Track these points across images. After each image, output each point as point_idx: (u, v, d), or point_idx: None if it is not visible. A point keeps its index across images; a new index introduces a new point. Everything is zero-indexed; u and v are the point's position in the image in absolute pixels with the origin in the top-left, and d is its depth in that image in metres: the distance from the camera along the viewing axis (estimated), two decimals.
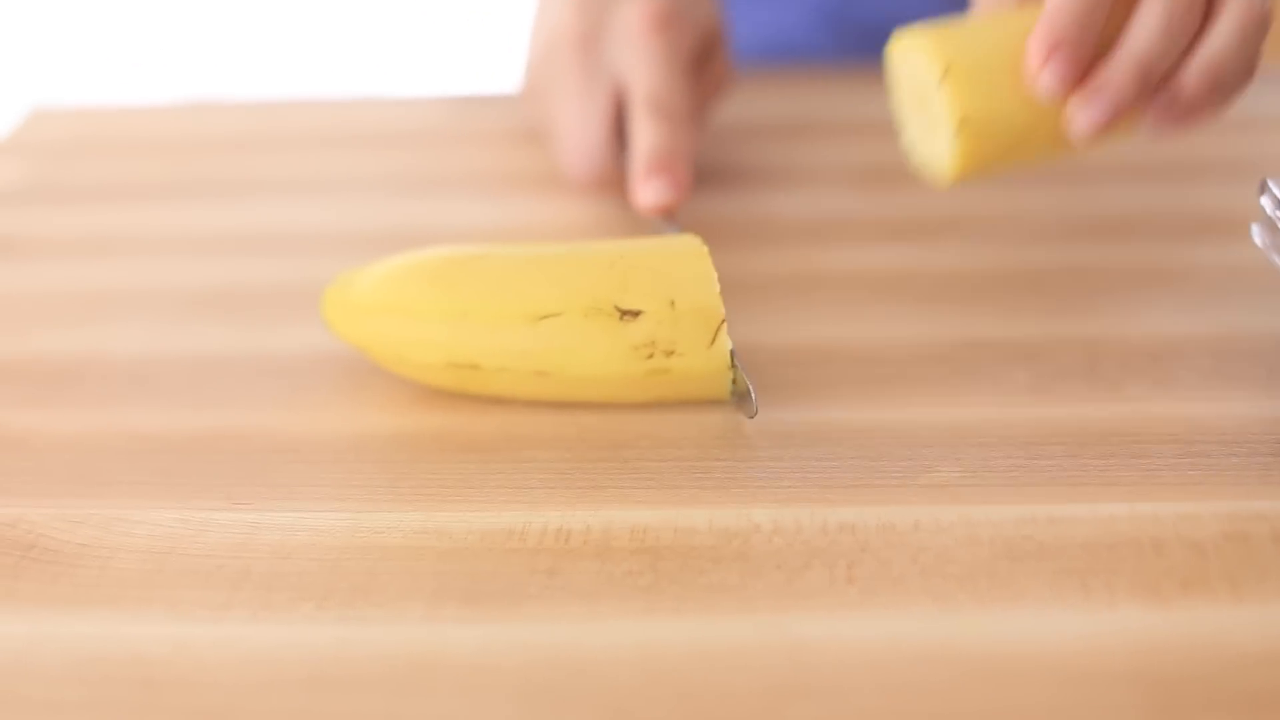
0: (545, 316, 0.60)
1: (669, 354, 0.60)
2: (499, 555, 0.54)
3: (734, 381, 0.61)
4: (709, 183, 0.84)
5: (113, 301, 0.75)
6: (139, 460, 0.61)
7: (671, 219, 0.71)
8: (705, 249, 0.61)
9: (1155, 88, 0.63)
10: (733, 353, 0.60)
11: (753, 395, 0.60)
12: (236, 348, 0.70)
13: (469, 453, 0.61)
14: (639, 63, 0.75)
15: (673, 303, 0.60)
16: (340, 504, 0.58)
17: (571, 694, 0.48)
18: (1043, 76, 0.62)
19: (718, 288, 0.60)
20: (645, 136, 0.73)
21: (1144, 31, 0.62)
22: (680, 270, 0.60)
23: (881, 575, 0.53)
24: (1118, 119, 0.62)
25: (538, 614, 0.51)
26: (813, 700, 0.47)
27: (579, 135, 0.77)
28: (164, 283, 0.77)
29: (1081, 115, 0.62)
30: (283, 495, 0.59)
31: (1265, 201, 0.65)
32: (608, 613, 0.51)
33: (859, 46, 1.08)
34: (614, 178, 0.77)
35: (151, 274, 0.78)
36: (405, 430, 0.63)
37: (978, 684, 0.48)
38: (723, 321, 0.60)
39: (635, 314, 0.60)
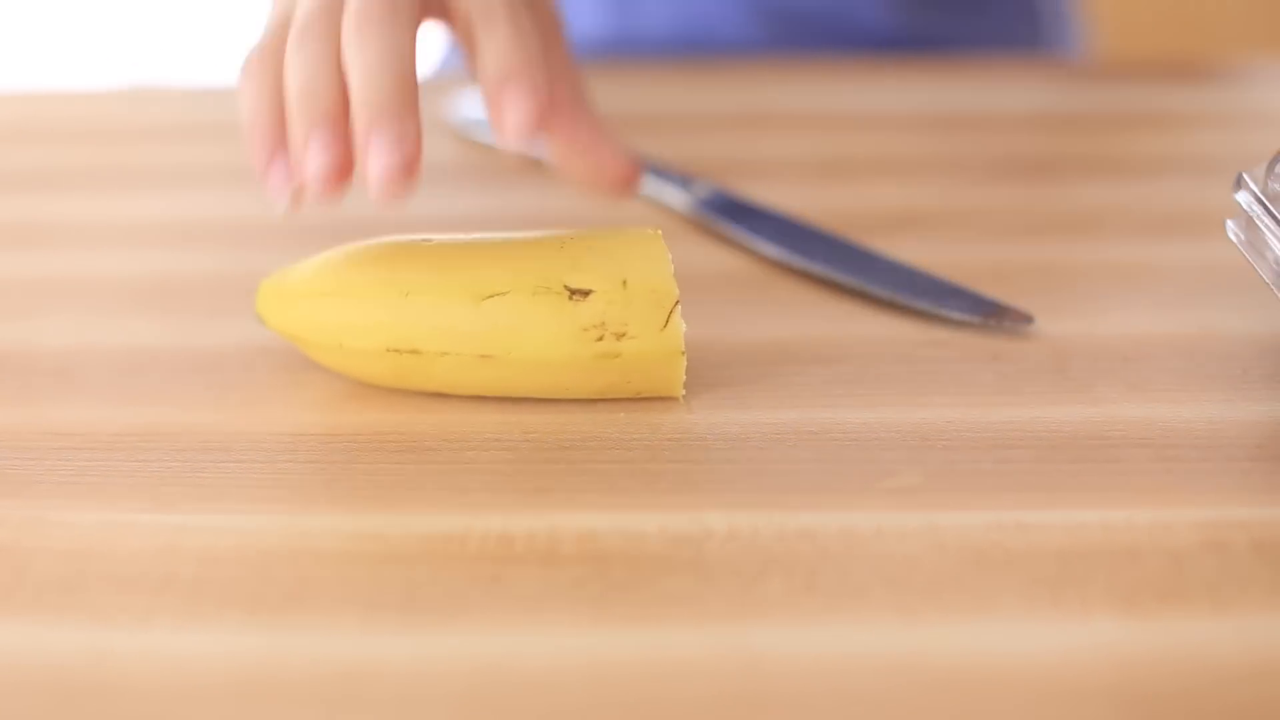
0: (491, 296, 0.58)
1: (620, 336, 0.57)
2: (438, 561, 0.52)
3: None
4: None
5: (39, 292, 0.73)
6: (61, 459, 0.59)
7: (629, 187, 0.67)
8: (659, 233, 0.59)
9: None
10: None
11: None
12: (167, 342, 0.67)
13: (407, 453, 0.58)
14: None
15: (625, 282, 0.57)
16: (272, 506, 0.55)
17: (514, 709, 0.46)
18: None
19: (672, 269, 0.58)
20: (491, 44, 0.60)
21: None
22: (633, 252, 0.58)
23: (842, 584, 0.50)
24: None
25: (479, 624, 0.49)
26: (770, 716, 0.45)
27: None
28: (93, 273, 0.74)
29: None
30: (211, 497, 0.56)
31: (1241, 196, 0.63)
32: (553, 623, 0.49)
33: (788, 37, 1.07)
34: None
35: (80, 264, 0.75)
36: (341, 429, 0.60)
37: (944, 700, 0.46)
38: (676, 303, 0.58)
39: (585, 293, 0.57)
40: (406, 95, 0.56)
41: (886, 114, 0.91)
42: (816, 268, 0.70)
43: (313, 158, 0.56)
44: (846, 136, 0.87)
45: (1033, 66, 1.03)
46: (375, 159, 0.55)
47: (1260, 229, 0.61)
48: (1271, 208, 0.61)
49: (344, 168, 0.56)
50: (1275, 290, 0.60)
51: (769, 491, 0.55)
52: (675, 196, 0.77)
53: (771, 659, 0.47)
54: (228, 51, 2.60)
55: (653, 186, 0.78)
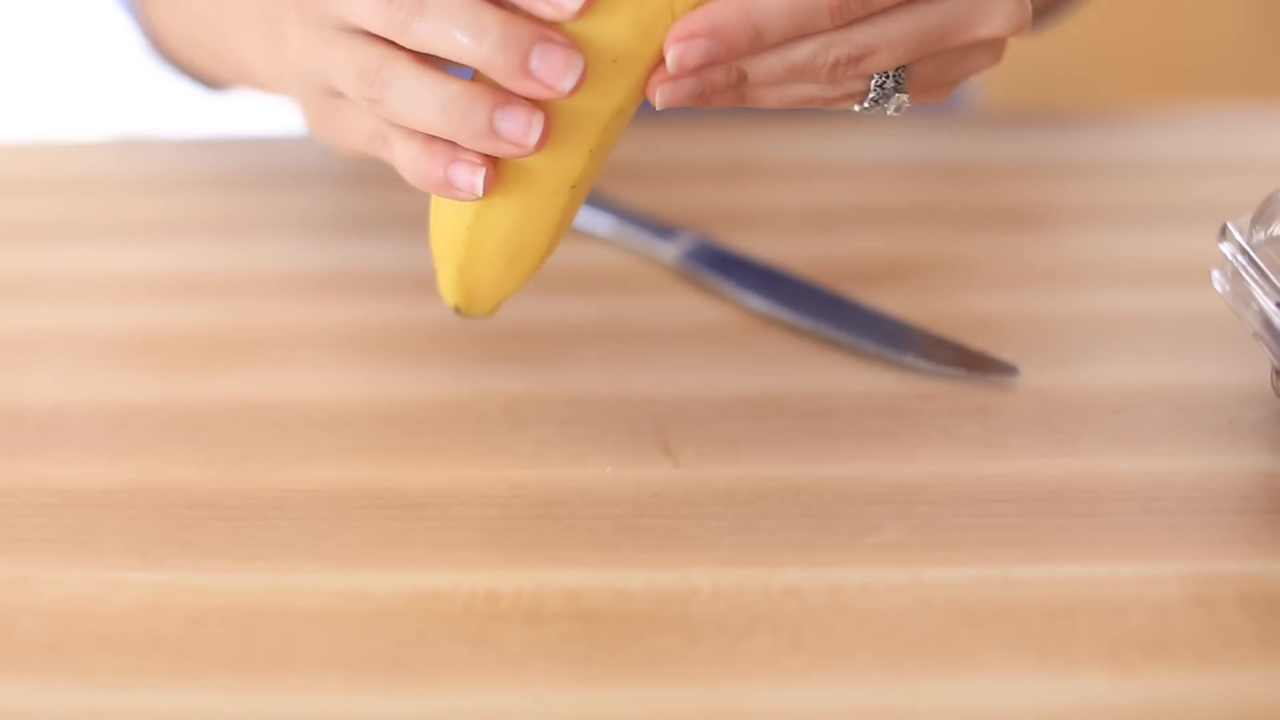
0: None
1: None
2: (425, 619, 0.52)
3: None
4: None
5: (26, 346, 0.73)
6: (49, 515, 0.59)
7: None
8: None
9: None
10: None
11: None
12: (155, 396, 0.67)
13: (394, 509, 0.58)
14: None
15: None
16: (259, 564, 0.56)
17: None
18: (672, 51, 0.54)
19: None
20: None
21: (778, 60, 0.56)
22: None
23: (828, 641, 0.51)
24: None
25: (465, 683, 0.49)
26: None
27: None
28: (80, 327, 0.74)
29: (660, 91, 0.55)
30: (198, 554, 0.56)
31: (1226, 247, 0.63)
32: (539, 681, 0.49)
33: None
34: None
35: (68, 318, 0.75)
36: (328, 485, 0.60)
37: None
38: None
39: None
40: None
41: (871, 163, 0.91)
42: (802, 320, 0.70)
43: (547, 62, 0.53)
44: (832, 186, 0.87)
45: (1015, 114, 1.03)
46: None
47: (1245, 280, 0.62)
48: (1256, 258, 0.61)
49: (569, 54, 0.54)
50: (1260, 341, 0.61)
51: (755, 548, 0.55)
52: (660, 248, 0.77)
53: (757, 717, 0.47)
54: (214, 103, 2.61)
55: (638, 238, 0.78)
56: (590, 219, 0.80)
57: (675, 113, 0.89)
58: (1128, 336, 0.70)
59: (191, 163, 0.96)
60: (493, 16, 0.53)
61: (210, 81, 0.93)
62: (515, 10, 0.53)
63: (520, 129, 0.53)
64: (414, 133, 0.57)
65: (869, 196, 0.86)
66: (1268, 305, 0.60)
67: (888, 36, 0.56)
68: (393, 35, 0.55)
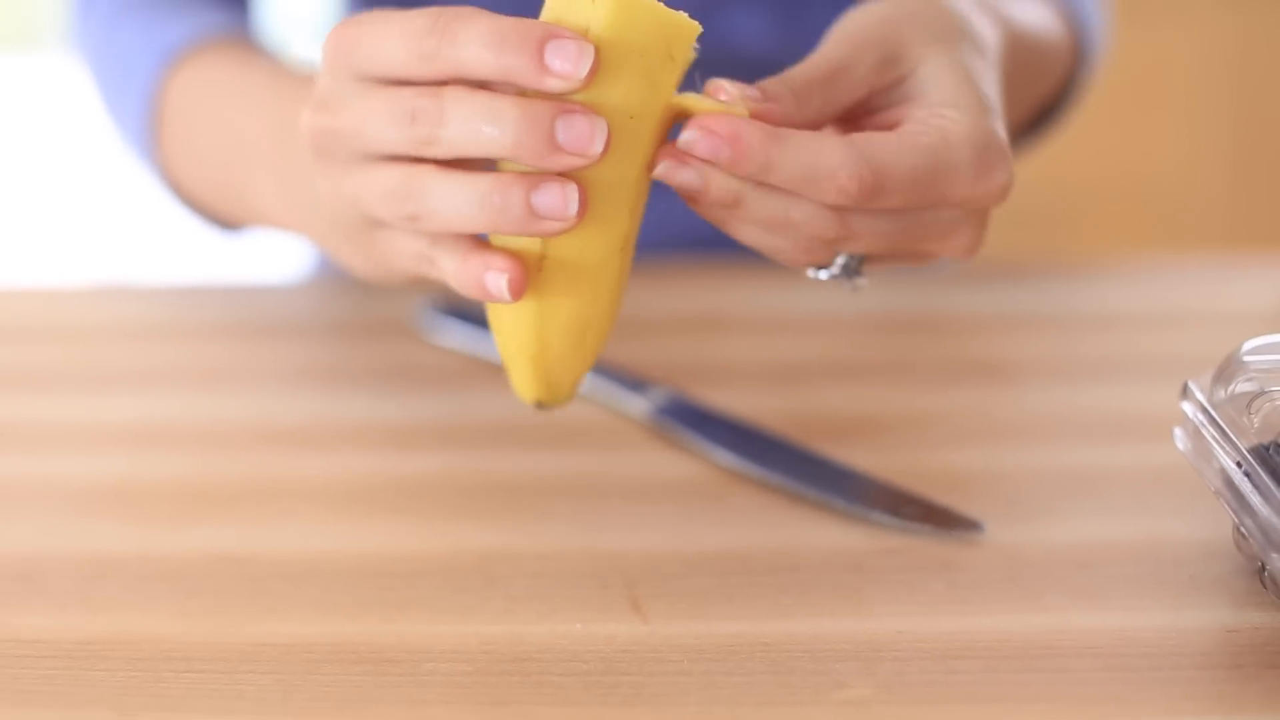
0: None
1: None
2: None
3: None
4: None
5: (3, 495, 0.73)
6: (23, 666, 0.59)
7: None
8: None
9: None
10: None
11: None
12: (130, 547, 0.68)
13: (366, 664, 0.59)
14: None
15: None
16: (232, 718, 0.56)
17: None
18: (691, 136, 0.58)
19: None
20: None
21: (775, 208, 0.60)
22: None
23: None
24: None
25: None
26: None
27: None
28: (56, 476, 0.74)
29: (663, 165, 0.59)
30: (172, 707, 0.56)
31: (1187, 406, 0.64)
32: None
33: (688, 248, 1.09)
34: None
35: (43, 467, 0.76)
36: (301, 639, 0.61)
37: None
38: None
39: None
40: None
41: (841, 317, 0.92)
42: (771, 476, 0.71)
43: (573, 132, 0.55)
44: (802, 340, 0.88)
45: (983, 267, 1.05)
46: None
47: (1205, 439, 0.63)
48: (1217, 417, 0.62)
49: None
50: (1220, 499, 0.62)
51: (721, 704, 0.56)
52: (633, 403, 0.78)
53: None
54: (194, 250, 2.62)
55: (611, 392, 0.79)
56: None
57: (650, 264, 0.91)
58: (1092, 491, 0.71)
59: (171, 311, 0.96)
60: (508, 103, 0.55)
61: (226, 222, 0.94)
62: (526, 93, 0.56)
63: (558, 203, 0.56)
64: (455, 246, 0.59)
65: (839, 350, 0.87)
66: (1228, 464, 0.61)
67: (872, 230, 0.61)
68: (420, 151, 0.58)
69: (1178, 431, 0.65)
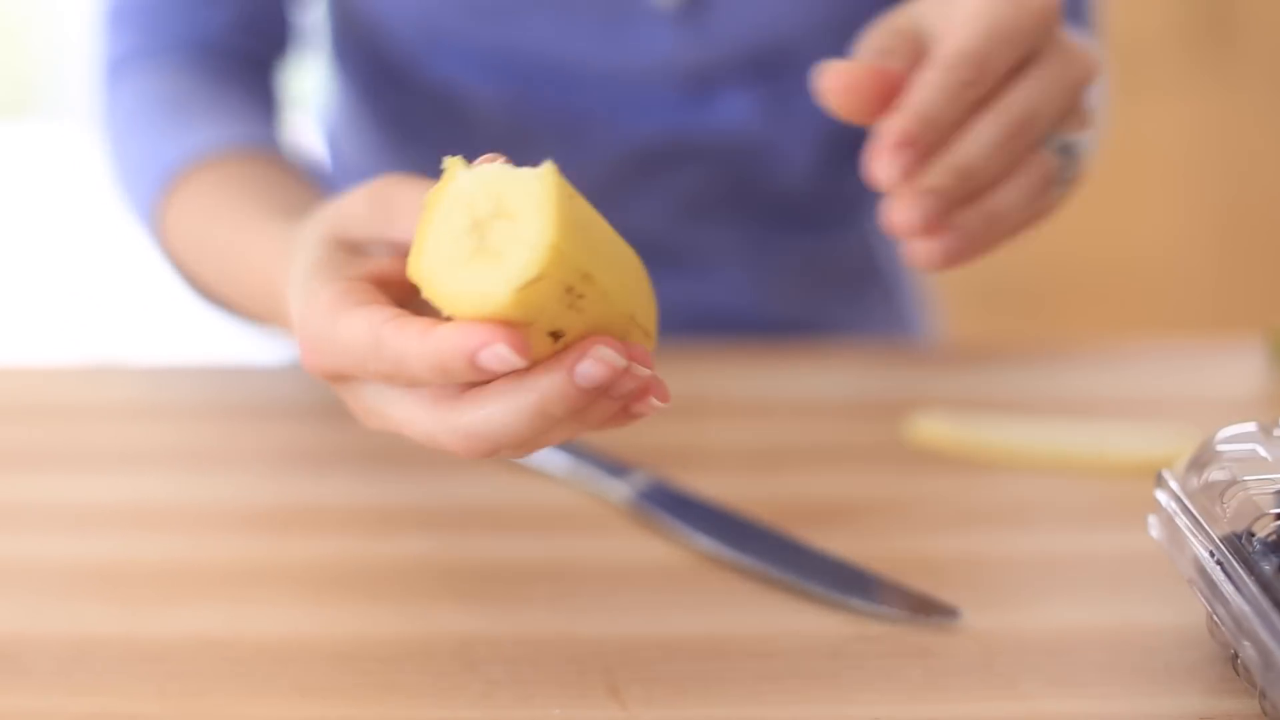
0: None
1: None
2: None
3: None
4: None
5: None
6: None
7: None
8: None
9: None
10: None
11: None
12: (114, 629, 0.68)
13: None
14: None
15: None
16: None
17: None
18: (881, 166, 0.66)
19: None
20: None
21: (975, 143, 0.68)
22: None
23: None
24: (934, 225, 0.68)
25: None
26: None
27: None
28: (41, 556, 0.75)
29: (931, 250, 0.69)
30: None
31: (1161, 494, 0.65)
32: None
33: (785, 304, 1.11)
34: None
35: (29, 547, 0.76)
36: None
37: None
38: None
39: None
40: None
41: (820, 401, 0.92)
42: (750, 562, 0.72)
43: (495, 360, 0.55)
44: (781, 424, 0.88)
45: (961, 350, 1.05)
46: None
47: (1179, 527, 0.63)
48: (1190, 506, 0.63)
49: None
50: (1194, 587, 0.62)
51: None
52: (613, 487, 0.79)
53: None
54: (182, 330, 2.61)
55: (591, 477, 0.80)
56: (545, 457, 0.82)
57: None
58: (1067, 578, 0.72)
59: (157, 391, 0.97)
60: (426, 353, 0.56)
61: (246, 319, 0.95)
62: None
63: (505, 362, 0.55)
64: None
65: (818, 435, 0.88)
66: (1201, 553, 0.61)
67: (1030, 96, 0.69)
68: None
69: (1152, 519, 0.66)
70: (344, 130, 1.18)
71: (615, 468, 0.80)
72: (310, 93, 1.30)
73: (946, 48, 0.68)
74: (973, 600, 0.69)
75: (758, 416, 0.91)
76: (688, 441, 0.86)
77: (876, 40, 0.71)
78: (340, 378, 0.61)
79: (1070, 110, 0.71)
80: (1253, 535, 0.61)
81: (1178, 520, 0.64)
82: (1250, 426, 0.65)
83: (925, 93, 0.67)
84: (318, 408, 0.92)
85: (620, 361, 0.56)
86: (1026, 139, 0.69)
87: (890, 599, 0.69)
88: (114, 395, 0.97)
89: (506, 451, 0.59)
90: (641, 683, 0.63)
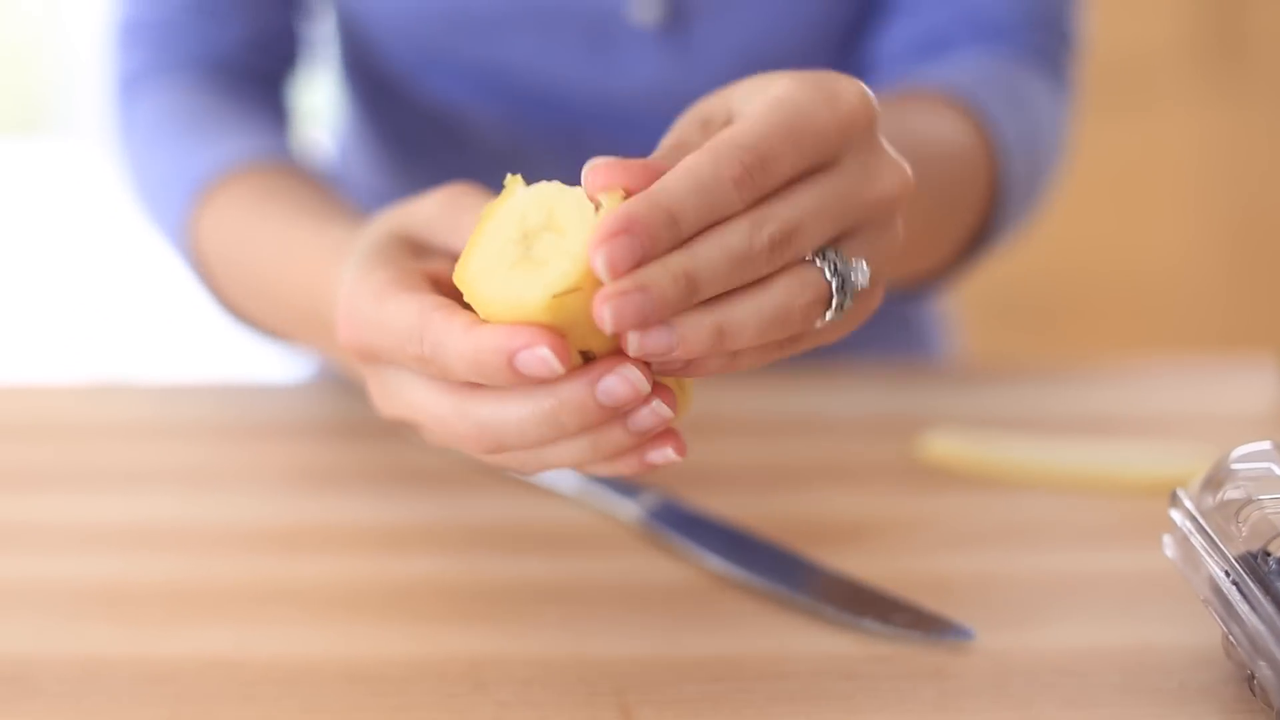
0: None
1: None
2: None
3: None
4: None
5: None
6: None
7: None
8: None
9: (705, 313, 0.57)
10: None
11: None
12: (121, 650, 0.68)
13: None
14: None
15: None
16: None
17: None
18: (593, 254, 0.54)
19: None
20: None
21: (715, 248, 0.57)
22: None
23: None
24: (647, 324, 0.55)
25: None
26: None
27: None
28: (49, 577, 0.74)
29: (608, 309, 0.55)
30: None
31: (1175, 514, 0.65)
32: None
33: None
34: None
35: (36, 568, 0.76)
36: None
37: None
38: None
39: None
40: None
41: (831, 420, 0.92)
42: (762, 582, 0.71)
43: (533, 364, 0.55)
44: (792, 443, 0.88)
45: (975, 369, 1.05)
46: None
47: (1194, 546, 0.63)
48: (1205, 525, 0.63)
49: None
50: (1209, 607, 0.62)
51: None
52: (624, 507, 0.78)
53: None
54: (191, 347, 2.62)
55: (602, 496, 0.80)
56: (555, 477, 0.81)
57: None
58: (1081, 598, 0.71)
59: (165, 410, 0.96)
60: (461, 351, 0.56)
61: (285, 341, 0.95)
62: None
63: (545, 365, 0.55)
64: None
65: (830, 454, 0.87)
66: (1216, 573, 0.61)
67: (803, 207, 0.58)
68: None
69: (1167, 539, 0.65)
70: (352, 145, 1.18)
71: (626, 487, 0.80)
72: (321, 107, 1.31)
73: (723, 135, 0.58)
74: (986, 620, 0.68)
75: (770, 435, 0.90)
76: (699, 460, 0.86)
77: (677, 129, 0.65)
78: (370, 356, 0.61)
79: (856, 230, 0.61)
80: (1268, 554, 0.60)
81: (1193, 539, 0.63)
82: (1265, 445, 0.65)
83: (674, 179, 0.57)
84: (328, 427, 0.92)
85: (645, 385, 0.55)
86: (782, 255, 0.58)
87: (903, 619, 0.68)
88: (122, 414, 0.96)
89: (512, 457, 0.59)
90: (653, 704, 0.62)
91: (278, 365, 1.12)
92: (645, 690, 0.63)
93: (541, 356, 0.54)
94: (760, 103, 0.60)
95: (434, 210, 0.65)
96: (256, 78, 1.04)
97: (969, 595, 0.72)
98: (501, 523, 0.79)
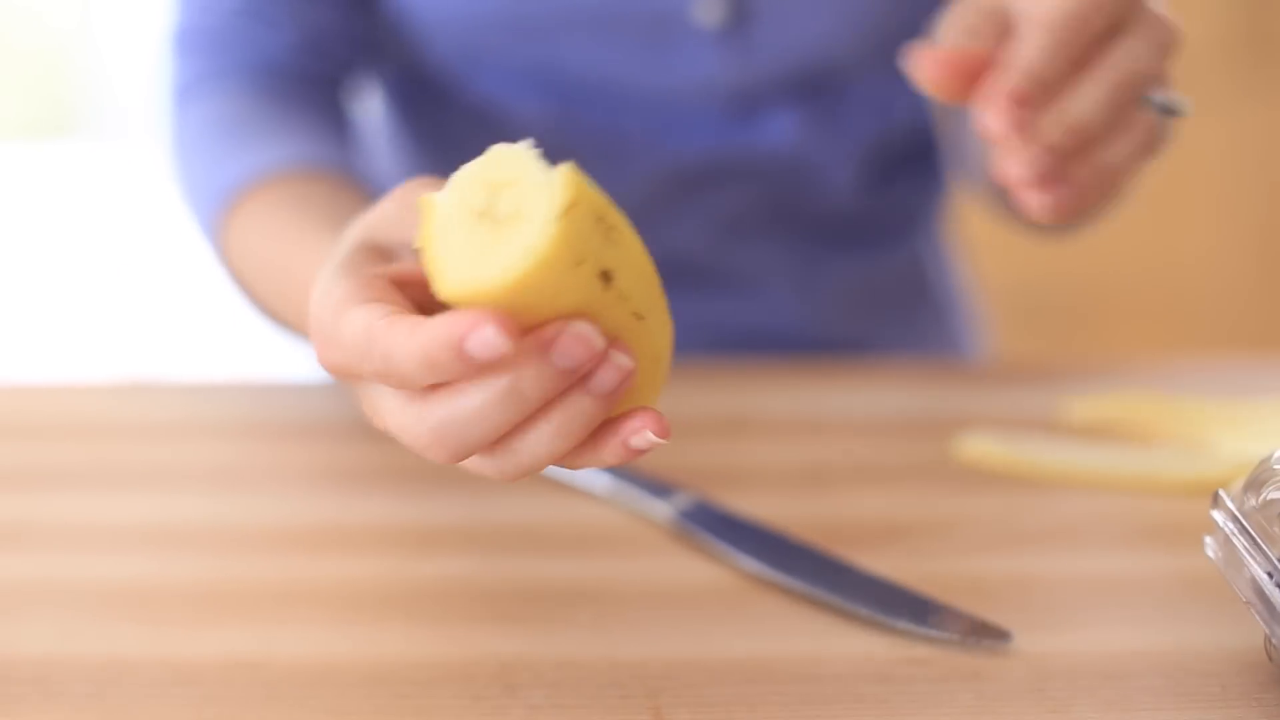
0: None
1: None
2: None
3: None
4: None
5: (18, 595, 0.72)
6: None
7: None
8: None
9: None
10: None
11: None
12: (147, 651, 0.67)
13: None
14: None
15: None
16: None
17: None
18: (993, 119, 0.69)
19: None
20: None
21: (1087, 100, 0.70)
22: None
23: None
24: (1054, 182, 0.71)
25: None
26: None
27: None
28: (75, 577, 0.74)
29: (1043, 202, 0.71)
30: None
31: (1217, 514, 0.64)
32: None
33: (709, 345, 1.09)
34: None
35: (62, 567, 0.75)
36: None
37: None
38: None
39: None
40: None
41: (865, 419, 0.92)
42: (796, 583, 0.70)
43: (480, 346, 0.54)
44: (828, 443, 0.87)
45: (1009, 368, 1.04)
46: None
47: (1236, 547, 0.62)
48: (1248, 526, 0.62)
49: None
50: (1251, 609, 0.61)
51: None
52: (656, 507, 0.78)
53: None
54: (217, 346, 2.62)
55: (634, 497, 0.79)
56: (587, 477, 0.81)
57: (673, 367, 0.90)
58: (1120, 599, 0.70)
59: (191, 409, 0.96)
60: (414, 346, 0.54)
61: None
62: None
63: (492, 344, 0.53)
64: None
65: (864, 454, 0.87)
66: (1259, 574, 0.60)
67: (1128, 54, 0.70)
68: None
69: (1208, 540, 0.64)
70: (385, 147, 1.18)
71: (658, 488, 0.79)
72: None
73: (1045, 11, 0.69)
74: (1024, 622, 0.67)
75: (803, 435, 0.90)
76: (731, 461, 0.85)
77: (960, 20, 0.72)
78: (348, 375, 0.60)
79: (1161, 72, 0.72)
80: None
81: (1235, 540, 0.62)
82: None
83: (1031, 51, 0.69)
84: (354, 425, 0.91)
85: (599, 342, 0.54)
86: (1129, 96, 0.70)
87: (940, 621, 0.67)
88: (148, 413, 0.96)
89: (485, 460, 0.57)
90: (686, 706, 0.62)
91: (305, 365, 1.12)
92: (678, 692, 0.63)
93: (487, 338, 0.52)
94: None
95: (392, 209, 0.63)
96: (310, 81, 1.03)
97: (1006, 597, 0.71)
98: (532, 523, 0.78)
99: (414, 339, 0.54)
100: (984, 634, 0.66)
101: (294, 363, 1.12)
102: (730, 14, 0.99)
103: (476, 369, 0.54)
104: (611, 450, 0.57)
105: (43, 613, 0.71)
